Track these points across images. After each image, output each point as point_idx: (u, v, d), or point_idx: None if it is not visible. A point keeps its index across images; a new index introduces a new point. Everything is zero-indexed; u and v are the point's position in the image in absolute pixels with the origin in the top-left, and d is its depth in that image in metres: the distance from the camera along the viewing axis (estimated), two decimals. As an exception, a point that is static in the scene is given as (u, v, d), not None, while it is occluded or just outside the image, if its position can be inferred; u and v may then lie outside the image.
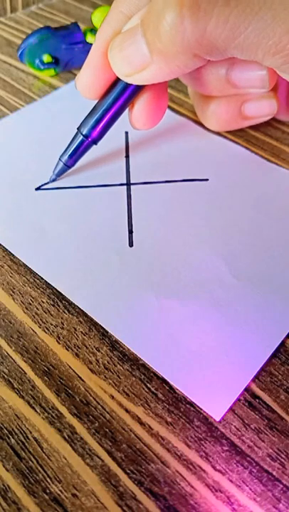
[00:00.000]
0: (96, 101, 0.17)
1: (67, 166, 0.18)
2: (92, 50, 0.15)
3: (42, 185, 0.19)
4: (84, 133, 0.17)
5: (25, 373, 0.13)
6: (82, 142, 0.17)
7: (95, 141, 0.17)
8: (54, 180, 0.18)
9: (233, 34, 0.12)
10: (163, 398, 0.13)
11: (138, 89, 0.16)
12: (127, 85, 0.15)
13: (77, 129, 0.17)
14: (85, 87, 0.16)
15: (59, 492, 0.11)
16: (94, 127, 0.17)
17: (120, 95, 0.16)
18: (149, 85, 0.15)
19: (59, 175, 0.18)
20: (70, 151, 0.18)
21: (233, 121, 0.18)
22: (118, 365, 0.14)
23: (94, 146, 0.20)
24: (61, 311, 0.15)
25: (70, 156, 0.18)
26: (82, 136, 0.17)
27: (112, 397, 0.13)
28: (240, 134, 0.22)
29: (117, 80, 0.16)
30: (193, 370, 0.13)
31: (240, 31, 0.12)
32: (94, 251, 0.16)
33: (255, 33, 0.12)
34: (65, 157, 0.18)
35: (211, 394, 0.13)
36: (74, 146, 0.17)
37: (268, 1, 0.12)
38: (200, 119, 0.20)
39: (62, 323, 0.15)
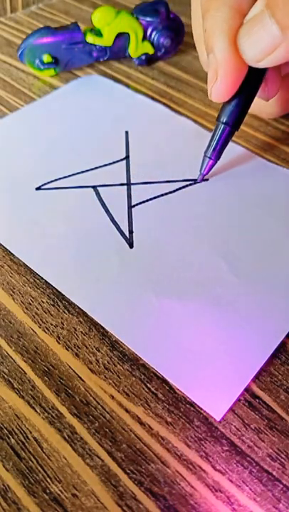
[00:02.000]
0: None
1: (214, 161, 0.18)
2: (219, 53, 0.15)
3: (42, 185, 0.19)
4: (225, 121, 0.17)
5: (25, 373, 0.13)
6: (223, 131, 0.17)
7: (236, 127, 0.18)
8: (202, 180, 0.19)
9: None
10: (163, 398, 0.13)
11: (264, 72, 0.16)
12: (256, 74, 0.16)
13: (217, 120, 0.17)
14: (221, 92, 0.16)
15: (59, 492, 0.11)
16: (233, 114, 0.17)
17: (252, 83, 0.16)
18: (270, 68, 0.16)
19: (208, 171, 0.19)
20: (215, 143, 0.18)
21: None
22: (118, 365, 0.14)
23: (94, 146, 0.20)
24: (61, 311, 0.15)
25: (214, 148, 0.18)
26: (223, 125, 0.17)
27: (112, 397, 0.13)
28: (240, 134, 0.22)
29: (248, 73, 0.16)
30: (194, 370, 0.13)
31: None
32: (94, 251, 0.16)
33: None
34: (210, 151, 0.18)
35: (211, 394, 0.13)
36: (217, 137, 0.18)
37: None
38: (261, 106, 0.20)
39: (62, 323, 0.15)
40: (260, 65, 0.15)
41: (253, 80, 0.16)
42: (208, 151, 0.18)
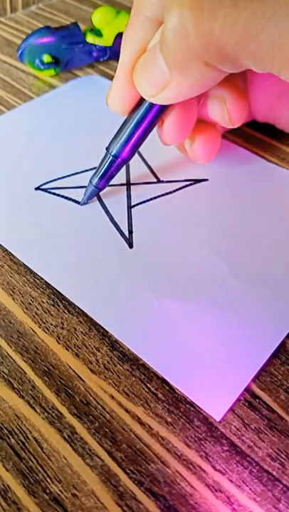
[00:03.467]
0: (124, 117, 0.16)
1: (98, 189, 0.17)
2: (119, 65, 0.15)
3: (41, 184, 0.19)
4: (113, 153, 0.16)
5: (25, 373, 0.13)
6: (112, 163, 0.16)
7: (125, 161, 0.16)
8: (85, 203, 0.18)
9: (243, 40, 0.11)
10: (163, 398, 0.13)
11: (165, 107, 0.15)
12: (153, 104, 0.15)
13: (106, 149, 0.16)
14: (114, 103, 0.16)
15: (59, 492, 0.11)
16: (123, 147, 0.16)
17: (147, 114, 0.15)
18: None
19: (90, 198, 0.17)
20: (101, 173, 0.17)
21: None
22: (118, 365, 0.14)
23: (94, 146, 0.20)
24: (61, 311, 0.15)
25: (101, 177, 0.17)
26: (111, 157, 0.16)
27: (112, 397, 0.13)
28: (240, 134, 0.22)
29: (143, 99, 0.15)
30: (193, 370, 0.13)
31: (252, 37, 0.10)
32: (94, 251, 0.16)
33: (269, 40, 0.10)
34: (96, 179, 0.17)
35: (211, 394, 0.13)
36: (104, 168, 0.17)
37: (284, 3, 0.10)
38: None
39: (62, 323, 0.15)
40: (154, 101, 0.14)
41: (150, 111, 0.15)
42: (94, 178, 0.17)
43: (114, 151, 0.16)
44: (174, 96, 0.13)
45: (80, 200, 0.18)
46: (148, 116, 0.15)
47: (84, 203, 0.18)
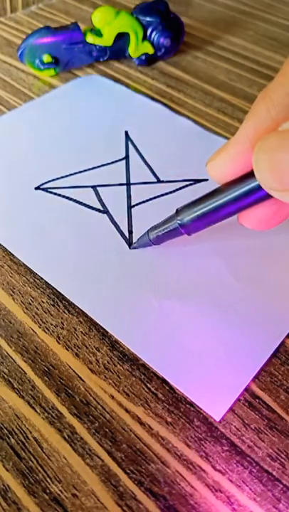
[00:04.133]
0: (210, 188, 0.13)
1: (153, 244, 0.16)
2: (239, 131, 0.12)
3: (41, 184, 0.19)
4: (181, 222, 0.14)
5: (25, 373, 0.13)
6: (175, 229, 0.14)
7: (189, 233, 0.14)
8: (135, 248, 0.16)
9: None
10: (163, 398, 0.13)
11: (270, 197, 0.12)
12: (260, 188, 0.12)
13: (176, 211, 0.14)
14: (216, 170, 0.13)
15: (59, 492, 0.11)
16: (196, 221, 0.14)
17: (245, 197, 0.12)
18: None
19: (141, 247, 0.16)
20: (161, 233, 0.15)
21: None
22: (118, 365, 0.14)
23: (93, 146, 0.20)
24: (61, 311, 0.15)
25: (160, 238, 0.15)
26: (177, 225, 0.14)
27: (112, 397, 0.13)
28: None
29: (251, 178, 0.12)
30: (193, 370, 0.13)
31: None
32: (94, 251, 0.16)
33: None
34: (153, 235, 0.15)
35: (211, 394, 0.13)
36: (166, 229, 0.15)
37: None
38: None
39: (62, 323, 0.15)
40: (275, 195, 0.11)
41: (246, 197, 0.12)
42: (152, 232, 0.15)
43: (184, 220, 0.14)
44: None
45: (80, 200, 0.18)
46: (247, 198, 0.12)
47: (133, 248, 0.16)
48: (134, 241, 0.17)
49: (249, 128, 0.12)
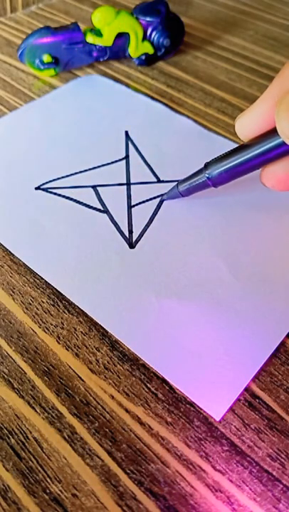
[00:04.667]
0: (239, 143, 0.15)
1: (182, 196, 0.17)
2: (262, 95, 0.14)
3: (41, 184, 0.19)
4: (210, 176, 0.16)
5: (25, 373, 0.13)
6: (203, 182, 0.16)
7: (215, 185, 0.16)
8: (164, 200, 0.18)
9: None
10: (163, 398, 0.13)
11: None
12: (283, 144, 0.13)
13: (205, 165, 0.16)
14: (242, 126, 0.14)
15: (59, 492, 0.11)
16: (223, 174, 0.15)
17: (270, 151, 0.14)
18: None
19: (170, 198, 0.18)
20: (190, 186, 0.17)
21: None
22: (118, 365, 0.14)
23: (94, 146, 0.20)
24: (61, 311, 0.15)
25: (189, 190, 0.17)
26: (206, 178, 0.16)
27: (112, 397, 0.13)
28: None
29: (274, 133, 0.13)
30: (193, 370, 0.13)
31: None
32: (94, 251, 0.16)
33: None
34: (183, 187, 0.17)
35: (211, 394, 0.13)
36: (195, 183, 0.16)
37: None
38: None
39: (62, 323, 0.15)
40: None
41: (270, 152, 0.14)
42: (182, 185, 0.17)
43: (212, 173, 0.15)
44: None
45: (80, 200, 0.18)
46: (270, 153, 0.14)
47: (163, 200, 0.18)
48: (134, 242, 0.17)
49: (275, 87, 0.13)
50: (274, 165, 0.14)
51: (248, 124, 0.14)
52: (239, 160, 0.14)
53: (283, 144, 0.13)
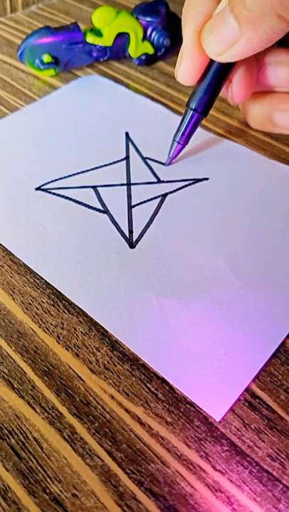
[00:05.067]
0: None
1: (182, 145, 0.19)
2: (185, 37, 0.17)
3: (42, 185, 0.19)
4: (193, 107, 0.18)
5: (25, 373, 0.13)
6: (192, 116, 0.18)
7: (203, 115, 0.18)
8: (169, 163, 0.19)
9: None
10: (163, 398, 0.13)
11: (231, 66, 0.17)
12: (221, 65, 0.16)
13: (186, 105, 0.18)
14: (185, 73, 0.17)
15: (59, 492, 0.11)
16: (201, 100, 0.17)
17: (216, 74, 0.17)
18: (240, 62, 0.16)
19: (174, 156, 0.19)
20: (183, 128, 0.18)
21: (266, 125, 0.19)
22: (118, 365, 0.14)
23: (94, 146, 0.20)
24: (61, 311, 0.15)
25: (183, 134, 0.18)
26: (192, 111, 0.18)
27: (112, 397, 0.13)
28: (240, 134, 0.22)
29: (211, 63, 0.17)
30: (194, 370, 0.13)
31: None
32: (94, 251, 0.16)
33: None
34: (179, 136, 0.18)
35: (211, 394, 0.13)
36: (186, 123, 0.18)
37: None
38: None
39: (62, 323, 0.15)
40: (221, 59, 0.16)
41: (219, 71, 0.17)
42: (176, 136, 0.18)
43: (194, 105, 0.18)
44: (242, 51, 0.15)
45: (80, 200, 0.18)
46: (217, 75, 0.17)
47: (168, 164, 0.19)
48: (134, 242, 0.17)
49: (190, 31, 0.16)
50: (233, 80, 0.17)
51: (188, 72, 0.17)
52: (205, 87, 0.17)
53: (221, 64, 0.16)
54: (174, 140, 0.19)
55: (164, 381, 0.13)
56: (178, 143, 0.19)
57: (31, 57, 0.24)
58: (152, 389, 0.13)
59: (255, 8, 0.14)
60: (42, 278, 0.16)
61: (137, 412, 0.13)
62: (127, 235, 0.17)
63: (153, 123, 0.22)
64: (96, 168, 0.20)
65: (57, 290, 0.15)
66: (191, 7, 0.16)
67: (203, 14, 0.16)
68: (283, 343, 0.14)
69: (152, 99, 0.23)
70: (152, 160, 0.20)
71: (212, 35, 0.15)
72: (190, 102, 0.18)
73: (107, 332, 0.14)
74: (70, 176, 0.19)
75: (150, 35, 0.25)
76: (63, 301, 0.15)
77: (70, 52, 0.24)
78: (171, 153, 0.19)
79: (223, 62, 0.16)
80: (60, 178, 0.19)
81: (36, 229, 0.17)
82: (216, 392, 0.13)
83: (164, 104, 0.23)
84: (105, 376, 0.13)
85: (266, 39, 0.14)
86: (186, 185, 0.19)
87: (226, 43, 0.15)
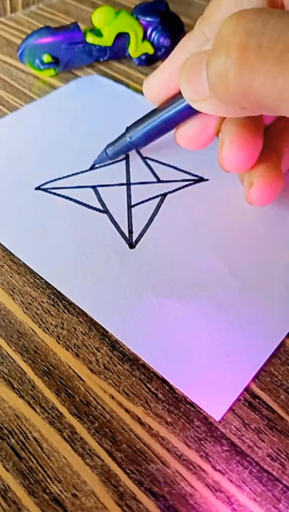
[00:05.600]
0: (152, 106, 0.16)
1: (109, 158, 0.19)
2: (171, 56, 0.15)
3: (41, 184, 0.19)
4: (131, 140, 0.17)
5: (25, 373, 0.13)
6: (127, 145, 0.18)
7: (137, 147, 0.18)
8: (95, 164, 0.19)
9: (281, 98, 0.11)
10: (163, 398, 0.13)
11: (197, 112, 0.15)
12: (188, 106, 0.15)
13: (126, 129, 0.17)
14: (151, 90, 0.16)
15: (59, 492, 0.11)
16: (142, 136, 0.17)
17: (177, 114, 0.15)
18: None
19: (99, 163, 0.19)
20: (116, 149, 0.18)
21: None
22: (118, 365, 0.14)
23: (94, 146, 0.20)
24: (61, 311, 0.15)
25: (115, 153, 0.18)
26: (128, 142, 0.17)
27: (112, 397, 0.13)
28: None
29: (180, 96, 0.15)
30: (193, 370, 0.13)
31: None
32: (94, 250, 0.16)
33: None
34: (110, 152, 0.18)
35: (211, 394, 0.13)
36: (119, 147, 0.18)
37: None
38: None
39: (62, 323, 0.15)
40: (194, 107, 0.14)
41: (183, 110, 0.15)
42: (108, 148, 0.18)
43: (133, 138, 0.17)
44: (209, 111, 0.13)
45: (80, 200, 0.18)
46: (178, 115, 0.15)
47: (92, 165, 0.19)
48: (134, 242, 0.17)
49: (180, 52, 0.15)
50: (184, 125, 0.15)
51: (155, 88, 0.16)
52: (153, 124, 0.16)
53: (189, 106, 0.14)
54: (105, 150, 0.18)
55: (164, 381, 0.13)
56: (107, 156, 0.18)
57: (31, 57, 0.24)
58: (152, 389, 0.13)
59: (216, 91, 0.12)
60: (42, 278, 0.16)
61: (137, 412, 0.13)
62: (127, 235, 0.17)
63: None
64: (96, 167, 0.20)
65: (57, 290, 0.15)
66: (193, 34, 0.15)
67: (196, 49, 0.14)
68: (283, 343, 0.14)
69: (152, 99, 0.23)
70: (152, 160, 0.20)
71: (187, 78, 0.13)
72: (131, 129, 0.17)
73: (107, 332, 0.14)
74: (69, 175, 0.19)
75: (150, 35, 0.25)
76: (63, 301, 0.15)
77: (70, 52, 0.24)
78: (98, 160, 0.19)
79: (198, 109, 0.14)
80: (60, 178, 0.19)
81: (36, 229, 0.17)
82: (215, 392, 0.13)
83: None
84: (105, 376, 0.13)
85: (234, 115, 0.13)
86: (185, 185, 0.19)
87: (197, 94, 0.13)
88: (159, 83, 0.16)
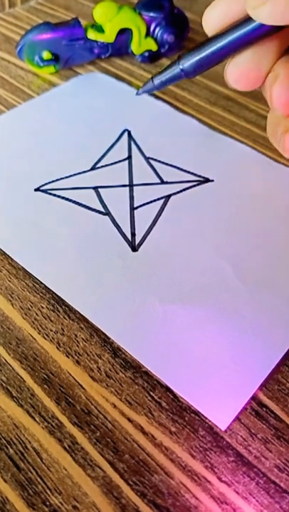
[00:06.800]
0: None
1: (157, 88, 0.18)
2: None
3: (41, 185, 0.19)
4: (184, 66, 0.16)
5: (25, 381, 0.13)
6: (178, 74, 0.17)
7: (188, 76, 0.17)
8: (139, 94, 0.18)
9: None
10: (167, 407, 0.13)
11: (260, 34, 0.14)
12: (247, 31, 0.14)
13: (178, 56, 0.17)
14: (212, 22, 0.15)
15: (59, 504, 0.11)
16: (194, 64, 0.16)
17: (236, 39, 0.15)
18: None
19: (146, 92, 0.18)
20: (165, 78, 0.17)
21: None
22: (120, 373, 0.13)
23: (95, 146, 0.19)
24: (61, 316, 0.15)
25: (163, 83, 0.17)
26: (179, 69, 0.16)
27: (114, 406, 0.13)
28: (247, 134, 0.21)
29: (239, 23, 0.15)
30: (198, 377, 0.13)
31: None
32: (95, 254, 0.16)
33: None
34: (158, 81, 0.17)
35: (217, 402, 0.13)
36: (169, 75, 0.17)
37: None
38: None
39: (62, 330, 0.14)
40: (253, 15, 0.13)
41: (243, 33, 0.15)
42: (156, 78, 0.17)
43: (185, 65, 0.16)
44: (269, 18, 0.13)
45: (81, 202, 0.18)
46: (236, 41, 0.15)
47: (138, 94, 0.18)
48: (136, 245, 0.16)
49: None
50: (238, 57, 0.15)
51: (216, 16, 0.15)
52: (207, 51, 0.16)
53: (248, 31, 0.14)
54: (152, 79, 0.17)
55: (167, 389, 0.13)
56: (155, 86, 0.17)
57: (30, 53, 0.23)
58: (156, 397, 0.13)
59: None
60: (41, 282, 0.15)
61: (140, 421, 0.12)
62: (130, 238, 0.17)
63: (156, 122, 0.21)
64: (97, 168, 0.19)
65: (57, 295, 0.15)
66: None
67: None
68: (290, 350, 0.14)
69: (156, 97, 0.23)
70: (155, 160, 0.20)
71: None
72: (185, 57, 0.16)
73: (108, 338, 0.14)
74: (70, 176, 0.19)
75: (153, 31, 0.24)
76: (63, 307, 0.15)
77: (71, 48, 0.24)
78: (143, 89, 0.17)
79: (256, 20, 0.14)
80: (60, 179, 0.19)
81: (35, 231, 0.17)
82: (221, 401, 0.13)
83: (167, 103, 0.23)
84: (107, 384, 0.13)
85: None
86: (190, 187, 0.19)
87: None
88: (220, 12, 0.15)
